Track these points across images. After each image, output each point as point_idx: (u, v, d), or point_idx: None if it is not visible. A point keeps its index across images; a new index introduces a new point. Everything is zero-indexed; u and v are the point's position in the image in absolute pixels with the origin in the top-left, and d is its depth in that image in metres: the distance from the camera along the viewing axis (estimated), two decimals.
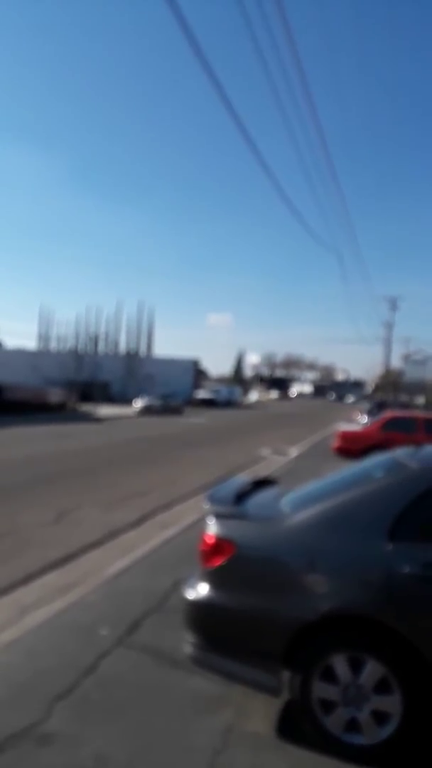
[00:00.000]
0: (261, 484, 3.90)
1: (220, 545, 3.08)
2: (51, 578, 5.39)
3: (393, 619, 2.74)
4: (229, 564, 3.04)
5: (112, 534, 7.06)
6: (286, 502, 3.33)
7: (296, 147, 78.97)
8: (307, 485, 3.71)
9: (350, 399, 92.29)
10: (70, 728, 2.91)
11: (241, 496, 3.42)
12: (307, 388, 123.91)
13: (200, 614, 3.11)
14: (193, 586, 3.17)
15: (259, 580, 3.01)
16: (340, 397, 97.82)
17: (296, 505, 3.23)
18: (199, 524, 6.90)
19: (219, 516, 3.19)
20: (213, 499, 3.33)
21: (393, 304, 52.87)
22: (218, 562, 3.06)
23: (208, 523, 3.19)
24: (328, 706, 2.83)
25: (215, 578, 3.08)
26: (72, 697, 3.20)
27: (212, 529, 3.15)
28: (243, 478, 4.06)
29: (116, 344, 62.09)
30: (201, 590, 3.10)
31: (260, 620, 2.93)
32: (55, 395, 33.01)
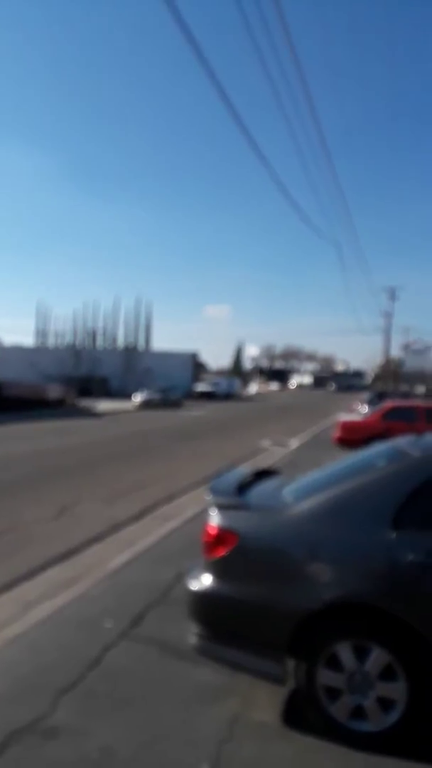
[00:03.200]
0: (263, 474, 3.89)
1: (222, 536, 3.07)
2: (54, 573, 5.39)
3: (397, 606, 2.73)
4: (232, 554, 3.03)
5: (114, 528, 7.06)
6: (288, 492, 3.32)
7: (294, 138, 78.56)
8: (309, 475, 3.70)
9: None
10: (76, 721, 2.92)
11: (243, 487, 3.41)
12: (307, 380, 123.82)
13: (204, 605, 3.10)
14: (196, 577, 3.17)
15: (262, 570, 3.00)
16: (341, 388, 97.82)
17: (299, 494, 3.22)
18: (201, 516, 6.90)
19: (221, 507, 3.18)
20: (215, 490, 3.32)
21: (392, 294, 52.79)
22: (221, 552, 3.06)
23: (211, 514, 3.18)
24: (333, 693, 2.83)
25: (219, 569, 3.07)
26: (77, 690, 3.21)
27: (215, 520, 3.14)
28: (244, 468, 4.05)
29: (114, 339, 62.02)
30: (204, 581, 3.10)
31: (264, 610, 2.93)
32: (54, 391, 32.96)
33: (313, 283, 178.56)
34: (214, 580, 3.07)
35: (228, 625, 3.04)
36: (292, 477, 3.87)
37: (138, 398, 36.87)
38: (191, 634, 3.15)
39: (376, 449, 3.74)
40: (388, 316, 52.99)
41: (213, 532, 3.11)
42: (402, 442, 3.62)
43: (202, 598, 3.10)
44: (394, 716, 2.74)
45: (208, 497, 3.27)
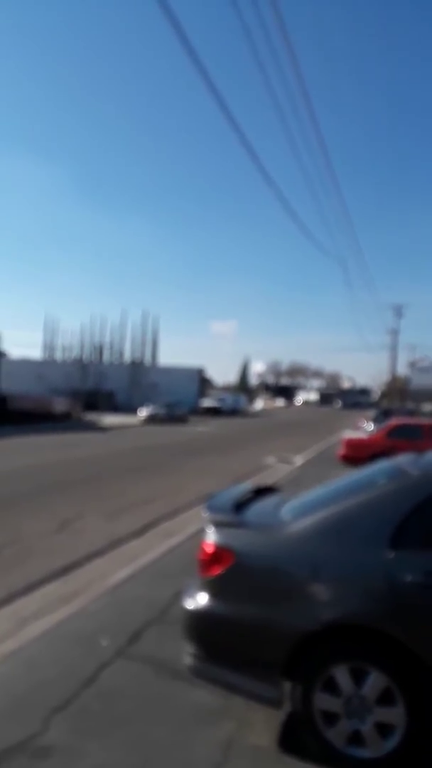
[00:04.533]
0: (262, 491, 3.86)
1: (219, 554, 3.04)
2: (53, 588, 5.36)
3: (396, 628, 2.68)
4: (229, 573, 3.00)
5: (116, 543, 7.02)
6: (287, 510, 3.29)
7: (297, 156, 79.46)
8: (308, 492, 3.67)
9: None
10: (69, 741, 2.87)
11: (241, 505, 3.38)
12: (313, 396, 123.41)
13: (200, 624, 3.06)
14: (192, 596, 3.13)
15: (259, 590, 2.96)
16: (347, 405, 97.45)
17: (297, 512, 3.18)
18: (203, 533, 6.86)
19: (218, 524, 3.15)
20: (212, 507, 3.29)
21: (398, 312, 52.87)
22: (217, 571, 3.02)
23: (207, 531, 3.15)
24: (330, 718, 2.77)
25: (214, 588, 3.04)
26: (71, 708, 3.16)
27: (211, 537, 3.11)
28: (243, 486, 4.02)
29: (121, 353, 62.27)
30: (200, 600, 3.06)
31: (260, 630, 2.89)
32: (60, 404, 33.06)
33: (319, 300, 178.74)
34: (209, 599, 3.03)
35: (223, 646, 2.99)
36: (291, 494, 3.84)
37: (144, 413, 36.88)
38: (186, 654, 3.11)
39: (376, 467, 3.70)
40: (395, 333, 53.04)
41: (209, 550, 3.08)
42: (402, 460, 3.59)
43: (197, 618, 3.06)
44: (393, 742, 2.67)
45: (205, 514, 3.24)
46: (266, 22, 21.20)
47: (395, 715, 2.67)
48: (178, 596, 4.76)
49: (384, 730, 2.69)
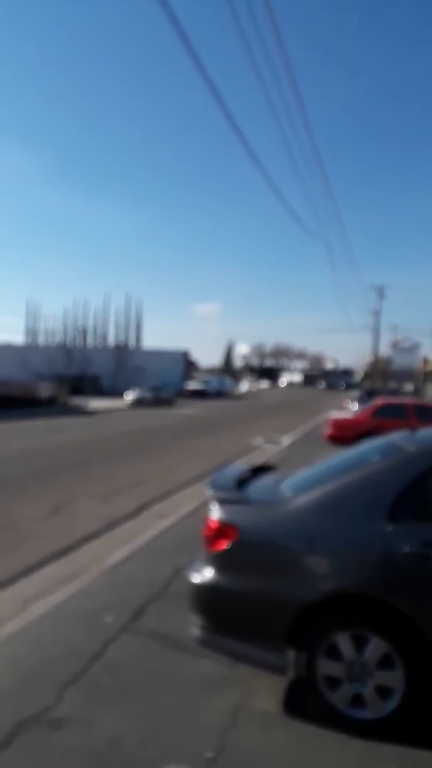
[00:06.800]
0: (260, 470, 3.95)
1: (223, 530, 3.13)
2: (52, 569, 5.42)
3: (394, 597, 2.81)
4: (233, 548, 3.10)
5: (110, 525, 7.10)
6: (286, 487, 3.39)
7: (283, 136, 78.75)
8: (306, 469, 3.77)
9: (342, 386, 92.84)
10: (81, 712, 2.97)
11: (242, 482, 3.47)
12: (297, 378, 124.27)
13: (206, 597, 3.16)
14: (198, 570, 3.23)
15: (262, 563, 3.07)
16: (331, 386, 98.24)
17: (297, 489, 3.28)
18: (196, 513, 6.99)
19: (222, 501, 3.24)
20: (215, 485, 3.38)
21: (380, 293, 53.07)
22: (222, 546, 3.12)
23: (211, 508, 3.24)
24: (333, 682, 2.91)
25: (220, 562, 3.13)
26: (81, 682, 3.26)
27: (215, 514, 3.20)
28: (242, 464, 4.11)
29: (105, 337, 61.85)
30: (206, 574, 3.16)
31: (265, 601, 3.00)
32: (45, 389, 32.81)
33: (302, 281, 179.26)
34: (215, 572, 3.13)
35: (229, 617, 3.10)
36: (289, 472, 3.94)
37: (130, 396, 36.81)
38: (193, 626, 3.21)
39: (372, 444, 3.81)
40: (377, 314, 53.32)
41: (214, 525, 3.17)
42: (397, 437, 3.70)
43: (204, 591, 3.16)
44: (392, 704, 2.82)
45: (209, 492, 3.33)
46: (253, 4, 20.85)
47: (394, 678, 2.81)
48: (177, 574, 4.88)
49: (384, 692, 2.84)
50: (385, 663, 2.83)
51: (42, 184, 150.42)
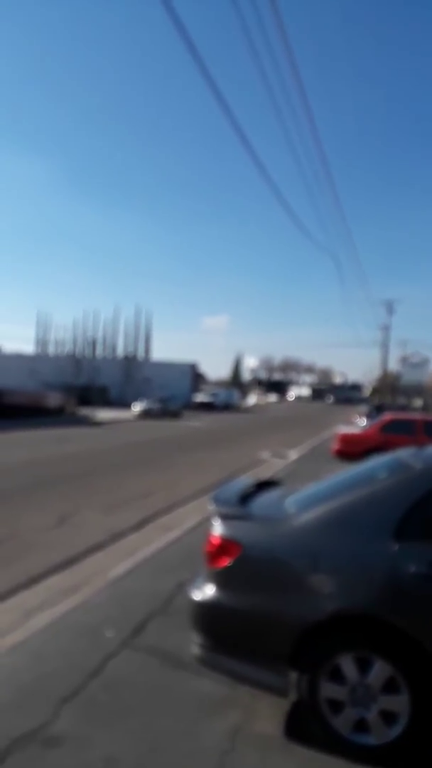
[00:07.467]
0: (265, 485, 3.91)
1: (225, 546, 3.08)
2: (55, 581, 5.38)
3: (400, 618, 2.74)
4: (235, 564, 3.05)
5: (114, 537, 7.05)
6: (290, 503, 3.34)
7: (293, 151, 79.27)
8: (311, 486, 3.72)
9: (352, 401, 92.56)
10: (78, 730, 2.91)
11: (246, 497, 3.43)
12: (305, 392, 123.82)
13: (207, 615, 3.11)
14: (199, 587, 3.18)
15: (265, 581, 3.01)
16: (339, 400, 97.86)
17: (301, 505, 3.23)
18: (201, 527, 6.93)
19: (224, 517, 3.20)
20: (218, 500, 3.33)
21: (390, 308, 53.02)
22: (224, 562, 3.07)
23: (214, 524, 3.19)
24: (336, 706, 2.83)
25: (221, 579, 3.08)
26: (79, 698, 3.20)
27: (218, 529, 3.15)
28: (247, 479, 4.06)
29: (114, 348, 62.09)
30: (207, 591, 3.11)
31: (267, 620, 2.94)
32: (54, 399, 32.95)
33: (311, 295, 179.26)
34: (216, 590, 3.08)
35: (230, 636, 3.04)
36: (293, 488, 3.89)
37: (137, 408, 36.85)
38: (193, 644, 3.16)
39: (378, 461, 3.76)
40: (386, 329, 53.24)
41: (216, 541, 3.13)
42: (404, 454, 3.64)
43: (205, 608, 3.11)
44: (397, 729, 2.73)
45: (211, 506, 3.28)
46: (262, 15, 21.13)
47: (399, 703, 2.73)
48: (179, 588, 4.82)
49: (388, 717, 2.75)
50: (389, 687, 2.75)
51: (53, 195, 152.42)
